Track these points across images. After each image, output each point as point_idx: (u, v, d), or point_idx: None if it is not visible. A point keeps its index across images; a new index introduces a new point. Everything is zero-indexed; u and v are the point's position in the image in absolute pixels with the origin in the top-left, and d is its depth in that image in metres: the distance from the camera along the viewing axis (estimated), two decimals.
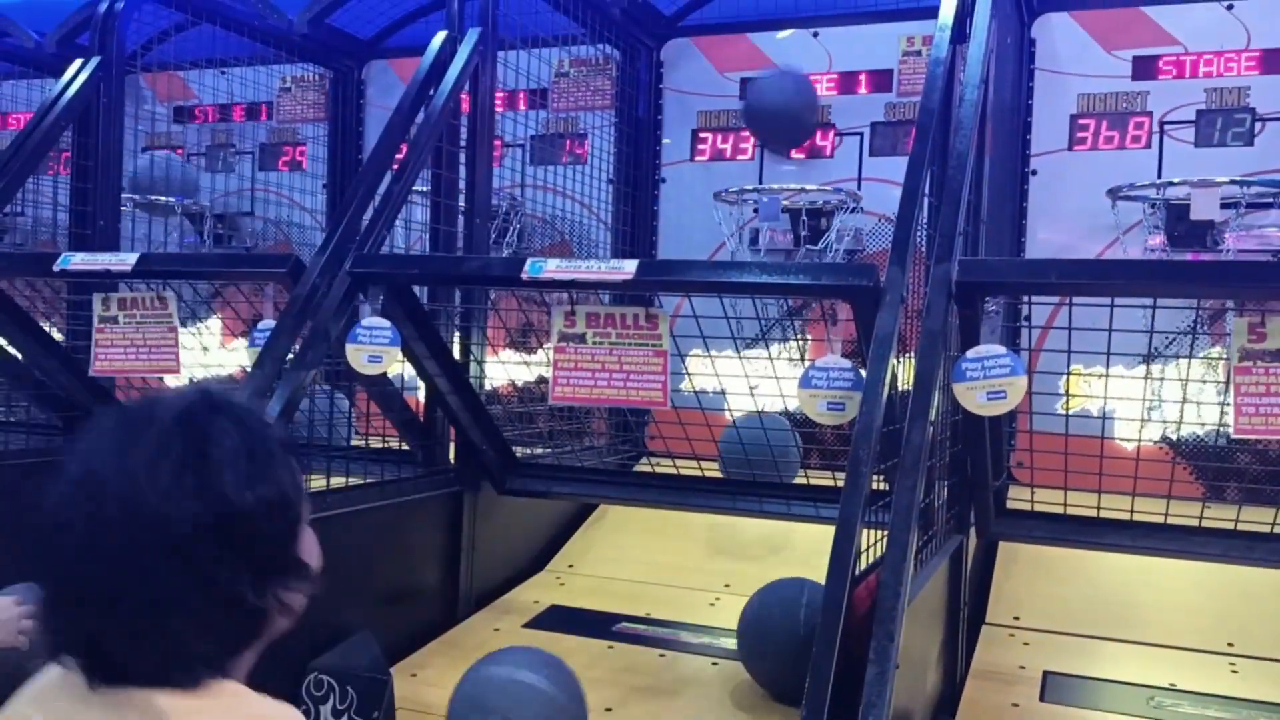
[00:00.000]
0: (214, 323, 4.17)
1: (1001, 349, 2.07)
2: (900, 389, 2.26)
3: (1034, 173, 3.81)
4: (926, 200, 2.48)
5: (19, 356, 3.41)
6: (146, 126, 4.58)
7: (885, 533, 2.01)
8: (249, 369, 2.65)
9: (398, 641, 2.84)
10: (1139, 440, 2.82)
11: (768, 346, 3.72)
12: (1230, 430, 2.18)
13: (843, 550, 1.88)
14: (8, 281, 3.31)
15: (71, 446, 1.10)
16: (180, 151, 4.98)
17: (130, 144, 4.12)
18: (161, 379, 3.28)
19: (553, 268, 2.40)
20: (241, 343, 3.95)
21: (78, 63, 3.60)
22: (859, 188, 3.95)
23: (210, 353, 4.01)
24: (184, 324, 3.73)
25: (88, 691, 1.07)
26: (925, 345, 2.07)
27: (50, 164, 4.35)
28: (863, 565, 1.99)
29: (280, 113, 4.99)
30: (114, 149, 3.73)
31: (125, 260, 2.79)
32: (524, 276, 2.40)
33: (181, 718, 1.04)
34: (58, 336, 3.56)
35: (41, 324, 3.45)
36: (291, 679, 2.46)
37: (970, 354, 2.08)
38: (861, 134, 4.07)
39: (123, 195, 4.02)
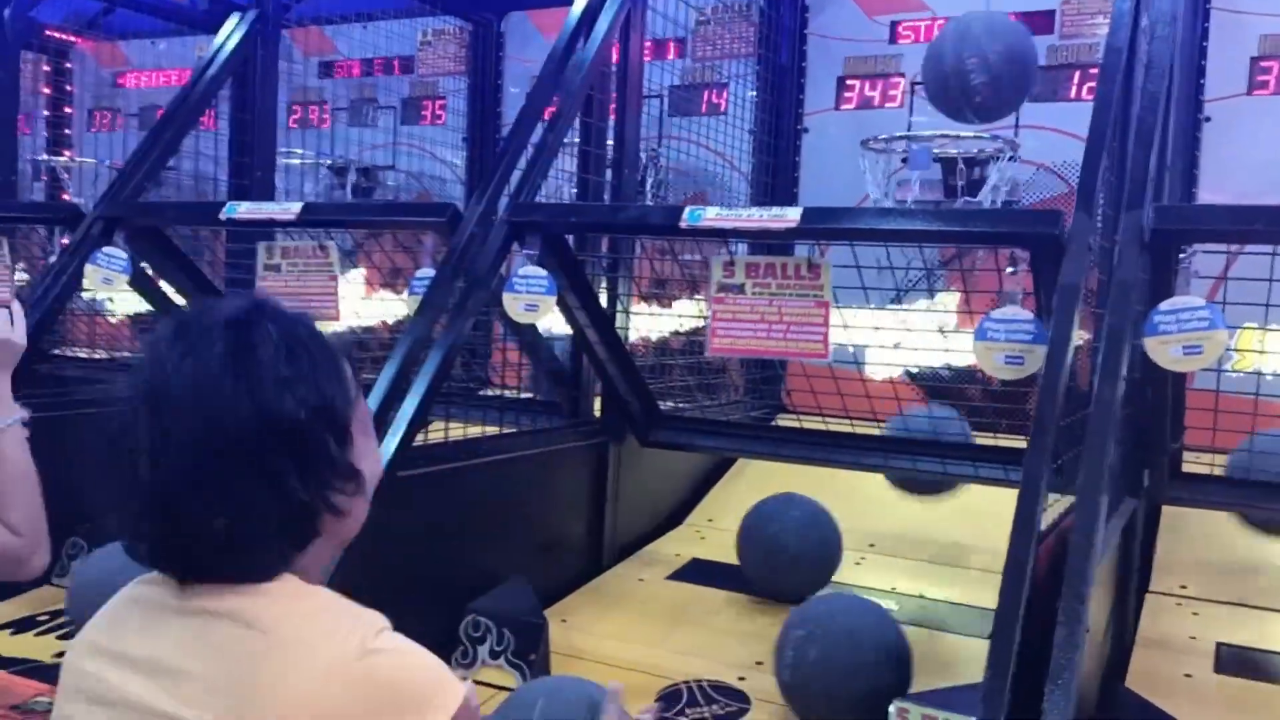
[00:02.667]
0: (359, 274, 4.26)
1: (1198, 300, 1.95)
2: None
3: (1208, 119, 3.59)
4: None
5: (184, 304, 3.55)
6: (296, 82, 4.69)
7: (1060, 494, 1.93)
8: (404, 318, 2.70)
9: (546, 587, 2.88)
10: None
11: (916, 300, 3.61)
12: None
13: (1028, 508, 1.80)
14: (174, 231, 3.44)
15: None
16: (325, 106, 5.09)
17: (281, 98, 4.22)
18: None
19: (713, 215, 2.36)
20: (385, 294, 4.04)
21: (234, 18, 3.69)
22: (1015, 135, 3.78)
23: (360, 302, 4.10)
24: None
25: (164, 596, 1.14)
26: (1117, 297, 1.96)
27: (202, 121, 4.49)
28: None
29: (422, 66, 5.04)
30: (270, 103, 3.82)
31: (290, 209, 2.86)
32: (683, 225, 2.36)
33: (250, 611, 1.10)
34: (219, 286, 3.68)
35: (206, 273, 3.57)
36: (450, 620, 2.51)
37: (1164, 306, 1.96)
38: None
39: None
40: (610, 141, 3.15)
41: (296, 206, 2.85)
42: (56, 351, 4.01)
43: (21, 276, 3.93)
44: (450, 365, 2.47)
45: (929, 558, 3.28)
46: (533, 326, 2.98)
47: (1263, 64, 3.55)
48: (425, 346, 2.48)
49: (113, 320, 4.52)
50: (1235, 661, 2.55)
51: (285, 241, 3.10)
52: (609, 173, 3.16)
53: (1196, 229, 2.08)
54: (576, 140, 3.17)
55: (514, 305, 2.57)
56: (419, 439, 2.49)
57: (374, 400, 2.38)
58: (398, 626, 1.18)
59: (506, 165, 2.74)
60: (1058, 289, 2.01)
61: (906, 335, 3.54)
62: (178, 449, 1.08)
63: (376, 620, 1.14)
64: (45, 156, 5.06)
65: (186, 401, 1.08)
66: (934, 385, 3.75)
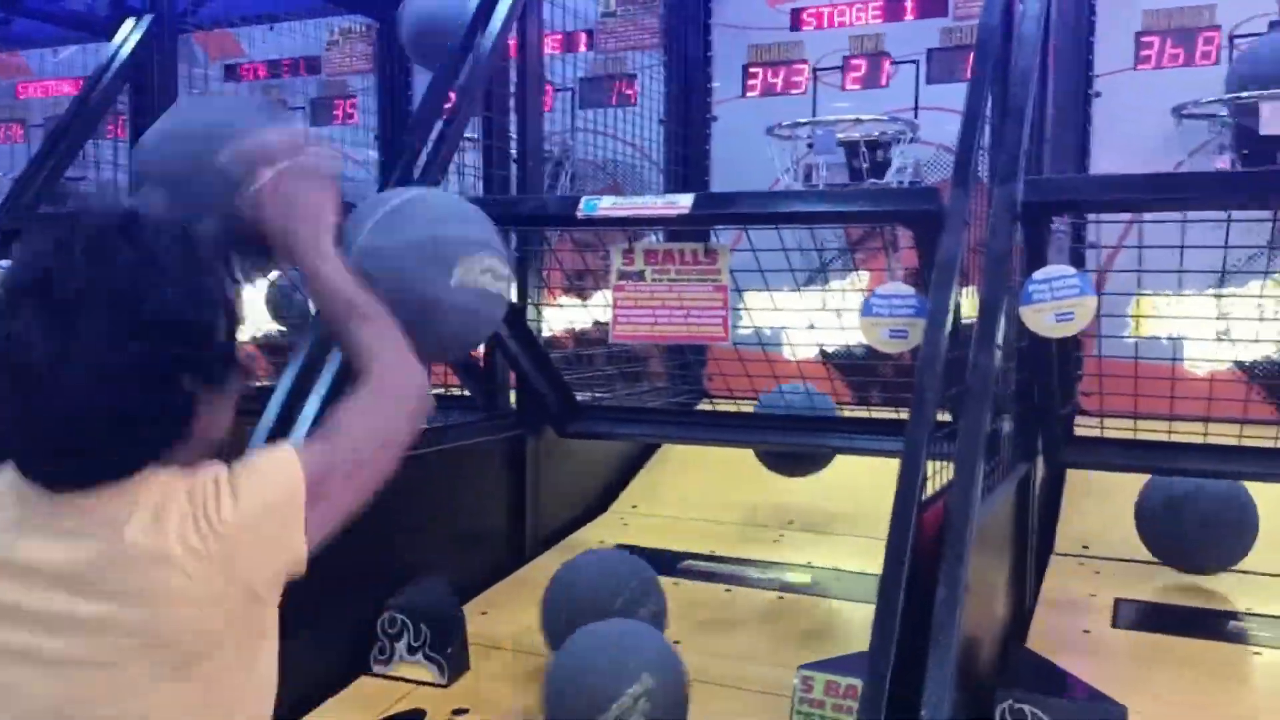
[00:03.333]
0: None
1: (1069, 269, 2.03)
2: (964, 320, 2.23)
3: (1098, 94, 3.70)
4: (988, 124, 2.42)
5: None
6: (199, 86, 4.64)
7: (951, 462, 2.00)
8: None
9: (469, 581, 2.90)
10: (1211, 363, 2.76)
11: (826, 282, 3.68)
12: None
13: (909, 475, 1.86)
14: None
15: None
16: None
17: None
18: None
19: (608, 205, 2.39)
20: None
21: (130, 22, 3.64)
22: (915, 117, 3.87)
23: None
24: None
25: (34, 494, 1.15)
26: (991, 268, 2.03)
27: (110, 128, 4.42)
28: (928, 493, 1.99)
29: (329, 66, 5.01)
30: (169, 106, 3.76)
31: None
32: (579, 215, 2.39)
33: (113, 502, 1.13)
34: None
35: None
36: (367, 618, 2.52)
37: (1037, 275, 2.04)
38: (917, 62, 3.97)
39: None
40: (514, 135, 3.17)
41: None
42: None
43: None
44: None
45: (844, 531, 3.35)
46: None
47: (1145, 39, 3.66)
48: (329, 345, 2.48)
49: None
50: (1132, 616, 2.66)
51: None
52: (515, 167, 3.18)
53: (1065, 200, 2.16)
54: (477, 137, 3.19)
55: None
56: None
57: (276, 400, 2.38)
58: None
59: (405, 162, 2.74)
60: (936, 264, 2.07)
61: (819, 316, 3.62)
62: (85, 348, 1.08)
63: (209, 479, 1.17)
64: None
65: (58, 302, 1.08)
66: (848, 364, 3.83)
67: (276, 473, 1.21)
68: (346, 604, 2.50)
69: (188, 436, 1.18)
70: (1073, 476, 3.23)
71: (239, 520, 1.14)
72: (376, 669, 2.49)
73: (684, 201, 2.33)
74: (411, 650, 2.50)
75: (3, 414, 1.13)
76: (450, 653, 2.46)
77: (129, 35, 3.58)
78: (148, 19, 3.63)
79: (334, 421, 1.31)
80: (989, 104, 2.35)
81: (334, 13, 4.80)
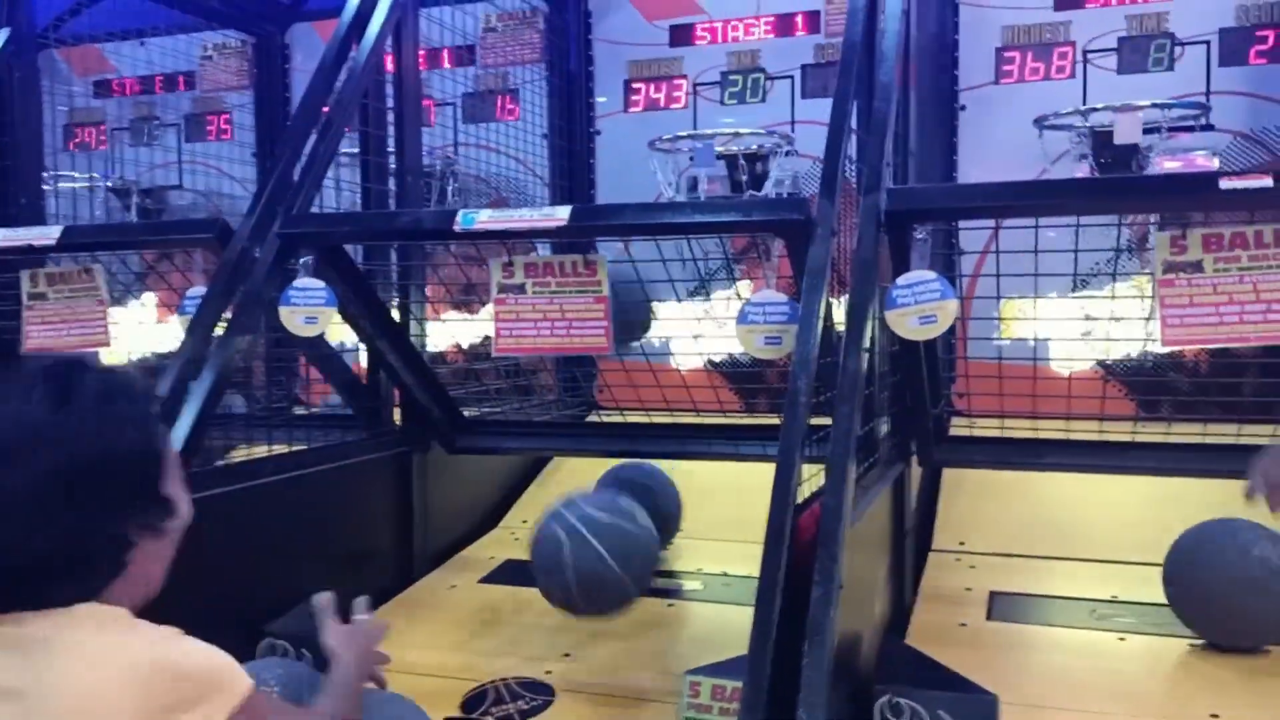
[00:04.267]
0: (148, 298, 4.10)
1: (931, 274, 2.10)
2: (839, 326, 2.29)
3: (963, 108, 3.85)
4: (855, 136, 2.50)
5: None
6: (65, 103, 4.47)
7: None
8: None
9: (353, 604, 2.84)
10: (1072, 362, 2.89)
11: (708, 295, 3.73)
12: (1158, 344, 2.24)
13: (784, 479, 1.90)
14: None
15: None
16: (102, 127, 4.87)
17: (49, 120, 4.01)
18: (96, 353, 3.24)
19: (485, 218, 2.39)
20: (175, 320, 3.90)
21: None
22: (792, 130, 3.96)
23: (144, 329, 3.94)
24: (118, 301, 3.68)
25: None
26: (858, 275, 2.09)
27: None
28: (805, 496, 2.03)
29: (204, 81, 4.88)
30: (33, 125, 3.62)
31: (49, 234, 2.73)
32: (457, 228, 2.38)
33: (45, 631, 1.15)
34: None
35: None
36: (248, 643, 2.45)
37: (901, 281, 2.10)
38: (792, 77, 4.07)
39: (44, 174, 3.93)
40: (391, 150, 3.14)
41: (56, 231, 2.73)
42: None
43: None
44: (223, 386, 2.41)
45: (733, 537, 3.39)
46: (322, 339, 2.94)
47: (1007, 54, 3.83)
48: (198, 367, 2.42)
49: None
50: (1006, 608, 2.75)
51: (51, 268, 2.95)
52: (393, 182, 3.15)
53: (924, 208, 2.24)
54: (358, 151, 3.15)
55: (292, 319, 2.53)
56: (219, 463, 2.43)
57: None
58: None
59: (279, 177, 2.69)
60: (805, 271, 2.13)
61: (704, 327, 3.67)
62: (20, 488, 1.13)
63: (167, 629, 1.22)
64: None
65: (7, 443, 1.14)
66: (733, 372, 3.89)
67: (223, 663, 1.23)
68: (227, 629, 2.41)
69: (124, 576, 1.22)
70: (951, 474, 3.34)
71: (159, 665, 1.16)
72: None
73: (561, 214, 2.34)
74: None
75: None
76: None
77: None
78: (3, 33, 3.47)
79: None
80: (854, 117, 2.43)
81: (208, 28, 4.69)
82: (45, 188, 4.00)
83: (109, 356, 3.83)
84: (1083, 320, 3.19)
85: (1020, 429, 2.83)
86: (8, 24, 3.52)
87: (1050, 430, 2.75)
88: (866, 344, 2.05)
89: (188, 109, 4.90)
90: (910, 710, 1.98)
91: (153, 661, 1.16)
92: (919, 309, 2.08)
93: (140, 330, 3.83)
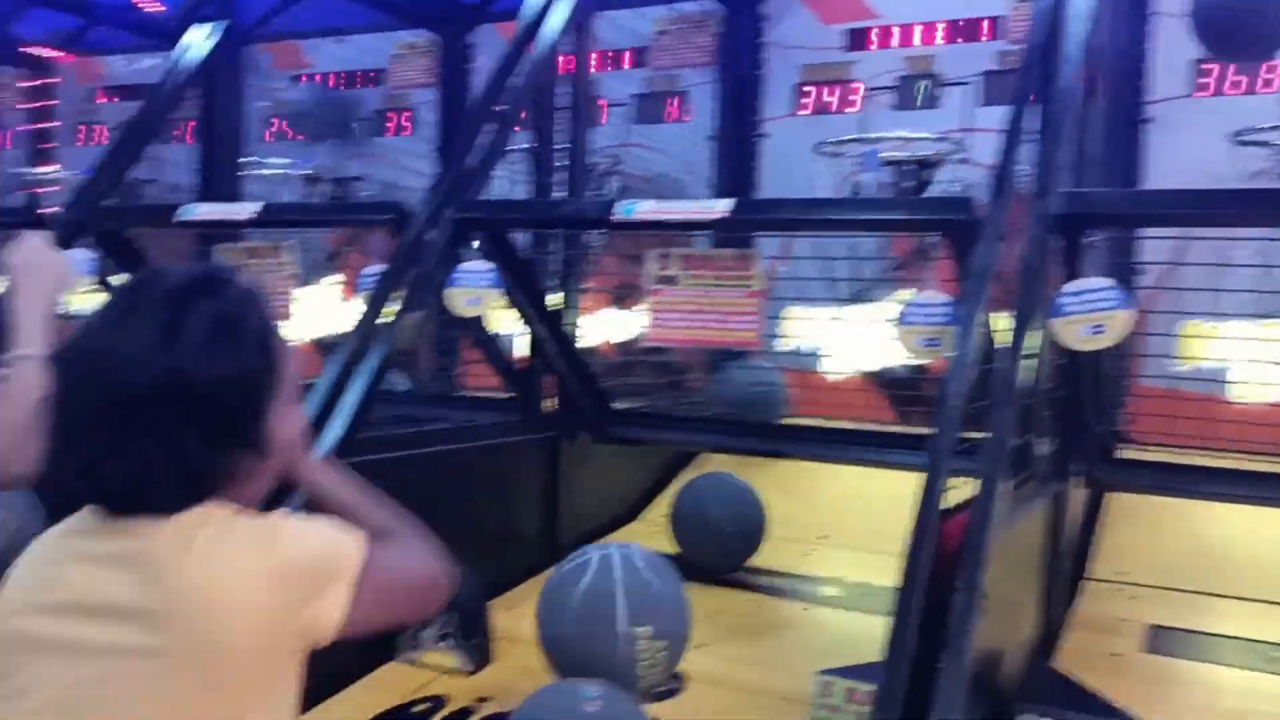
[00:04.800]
0: (335, 279, 4.34)
1: (1105, 281, 2.02)
2: (1002, 334, 2.22)
3: (1150, 120, 3.66)
4: (1030, 141, 2.42)
5: None
6: (265, 97, 4.79)
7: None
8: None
9: (499, 577, 2.93)
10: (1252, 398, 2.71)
11: (869, 299, 3.67)
12: None
13: (931, 482, 1.86)
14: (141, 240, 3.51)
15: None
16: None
17: (250, 111, 4.31)
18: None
19: (646, 209, 2.43)
20: (358, 300, 4.11)
21: (195, 30, 3.77)
22: (967, 138, 3.86)
23: (329, 308, 4.17)
24: (306, 281, 3.92)
25: (79, 542, 1.23)
26: (1024, 280, 2.03)
27: (179, 133, 4.57)
28: (954, 504, 1.98)
29: (392, 78, 5.14)
30: (235, 112, 3.90)
31: (246, 210, 2.93)
32: (616, 217, 2.43)
33: (166, 541, 1.18)
34: None
35: None
36: None
37: (1069, 287, 2.03)
38: (970, 83, 3.97)
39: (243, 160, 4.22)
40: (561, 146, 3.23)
41: (252, 207, 2.93)
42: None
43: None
44: (391, 359, 2.53)
45: (878, 548, 3.32)
46: (483, 324, 3.05)
47: (1204, 66, 3.63)
48: (370, 340, 2.55)
49: None
50: (1165, 642, 2.61)
51: (247, 243, 3.17)
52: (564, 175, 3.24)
53: (1100, 213, 2.15)
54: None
55: (458, 299, 2.64)
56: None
57: (318, 394, 2.45)
58: None
59: (454, 167, 2.81)
60: (969, 273, 2.08)
61: (861, 334, 3.62)
62: (86, 397, 1.17)
63: (274, 516, 1.26)
64: (25, 169, 5.14)
65: (109, 358, 1.17)
66: (888, 381, 3.82)
67: (335, 542, 1.26)
68: None
69: (224, 491, 1.24)
70: (1114, 499, 3.18)
71: (282, 565, 1.20)
72: (402, 656, 2.53)
73: (722, 206, 2.36)
74: (438, 639, 2.54)
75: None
76: (475, 643, 2.50)
77: (195, 43, 3.70)
78: (216, 27, 3.75)
79: (403, 544, 1.40)
80: (1029, 120, 2.36)
81: (400, 27, 4.93)
82: (244, 174, 4.29)
83: (288, 332, 4.09)
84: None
85: (1191, 458, 2.67)
86: (219, 18, 3.80)
87: (1224, 461, 2.59)
88: (1028, 352, 1.98)
89: (376, 105, 5.16)
90: None
91: (275, 563, 1.19)
92: (1088, 318, 2.00)
93: (325, 309, 4.06)
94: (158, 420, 1.17)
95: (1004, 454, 1.86)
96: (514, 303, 2.89)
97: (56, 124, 5.74)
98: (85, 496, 1.22)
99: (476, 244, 2.79)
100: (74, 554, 1.23)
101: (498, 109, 2.95)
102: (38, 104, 5.71)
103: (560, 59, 3.19)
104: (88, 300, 3.97)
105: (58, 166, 5.19)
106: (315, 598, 1.22)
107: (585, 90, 3.23)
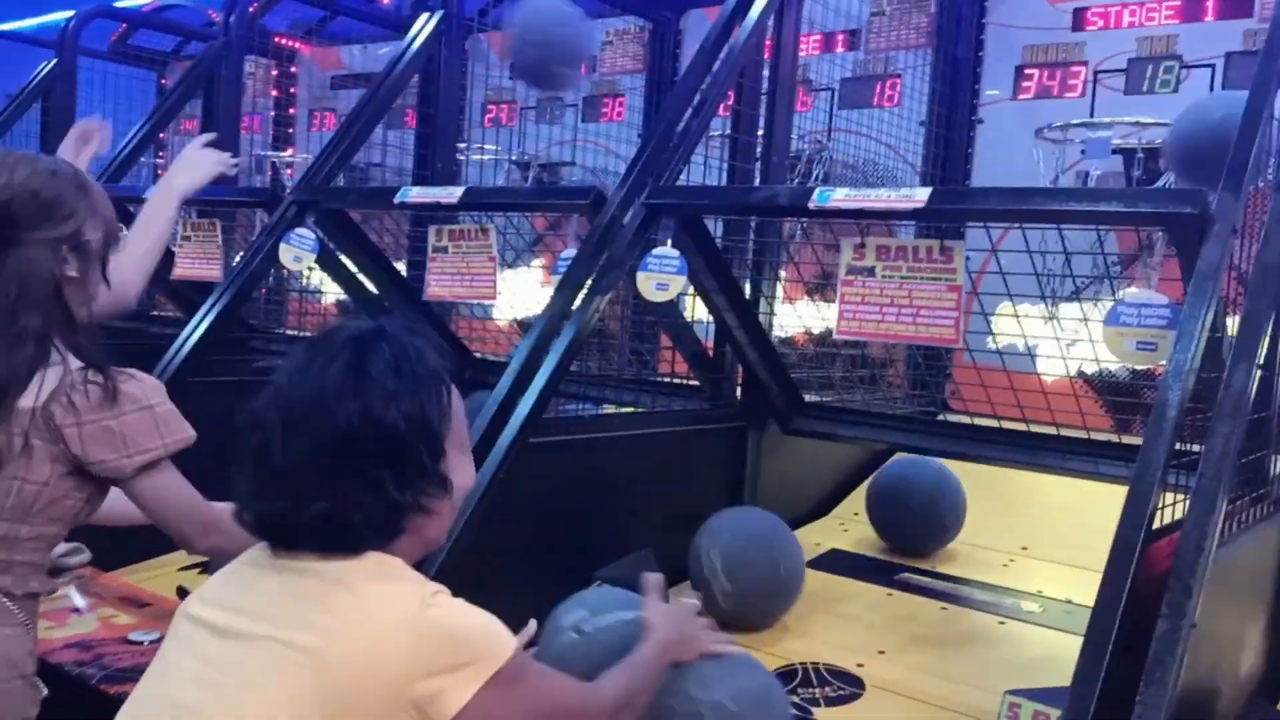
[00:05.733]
0: (537, 263, 4.46)
1: None
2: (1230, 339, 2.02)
3: None
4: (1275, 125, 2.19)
5: (373, 288, 3.83)
6: (485, 86, 4.96)
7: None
8: None
9: (679, 565, 2.93)
10: None
11: (1086, 298, 3.43)
12: None
13: (1140, 495, 1.71)
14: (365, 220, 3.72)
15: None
16: (515, 105, 5.35)
17: (470, 97, 4.47)
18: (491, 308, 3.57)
19: (841, 196, 2.35)
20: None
21: (423, 18, 3.95)
22: None
23: (530, 290, 4.29)
24: (510, 265, 4.05)
25: (263, 560, 1.33)
26: (1258, 280, 1.83)
27: (408, 118, 4.82)
28: (1168, 523, 1.82)
29: (603, 65, 5.22)
30: (452, 99, 4.06)
31: (453, 193, 3.05)
32: (812, 205, 2.37)
33: (335, 571, 1.26)
34: (402, 270, 3.96)
35: (389, 258, 3.85)
36: (576, 584, 2.60)
37: None
38: (1213, 66, 3.63)
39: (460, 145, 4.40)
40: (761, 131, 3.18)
41: (458, 191, 3.04)
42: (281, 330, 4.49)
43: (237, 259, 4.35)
44: (581, 341, 2.57)
45: (1083, 564, 3.11)
46: (674, 308, 3.05)
47: None
48: (562, 321, 2.60)
49: (321, 303, 4.93)
50: None
51: (452, 225, 3.30)
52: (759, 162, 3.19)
53: None
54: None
55: (646, 284, 2.64)
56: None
57: (510, 372, 2.52)
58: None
59: (652, 151, 2.82)
60: (1195, 272, 1.89)
61: (1080, 331, 3.38)
62: (295, 442, 1.26)
63: (437, 585, 1.31)
64: (268, 152, 5.55)
65: (307, 402, 1.27)
66: (1107, 385, 3.56)
67: (488, 627, 1.29)
68: (558, 567, 2.60)
69: (401, 538, 1.32)
70: None
71: (438, 623, 1.24)
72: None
73: (920, 195, 2.25)
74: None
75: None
76: None
77: (420, 31, 3.88)
78: (437, 15, 3.91)
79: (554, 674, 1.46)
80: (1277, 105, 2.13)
81: (611, 14, 5.00)
82: (460, 158, 4.47)
83: (495, 311, 4.24)
84: None
85: None
86: (443, 7, 3.96)
87: None
88: (1261, 359, 1.79)
89: (587, 91, 5.26)
90: None
91: (424, 620, 1.23)
92: None
93: (526, 291, 4.19)
94: (357, 459, 1.26)
95: (1227, 469, 1.69)
96: (704, 290, 2.88)
97: (295, 111, 6.17)
98: (290, 530, 1.30)
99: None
100: (251, 578, 1.33)
101: (697, 93, 2.93)
102: (281, 91, 6.16)
103: (769, 42, 3.14)
104: (310, 273, 4.25)
105: (294, 151, 5.57)
106: (447, 671, 1.23)
107: (789, 73, 3.17)
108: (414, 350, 1.34)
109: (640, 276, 2.62)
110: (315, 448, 1.26)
